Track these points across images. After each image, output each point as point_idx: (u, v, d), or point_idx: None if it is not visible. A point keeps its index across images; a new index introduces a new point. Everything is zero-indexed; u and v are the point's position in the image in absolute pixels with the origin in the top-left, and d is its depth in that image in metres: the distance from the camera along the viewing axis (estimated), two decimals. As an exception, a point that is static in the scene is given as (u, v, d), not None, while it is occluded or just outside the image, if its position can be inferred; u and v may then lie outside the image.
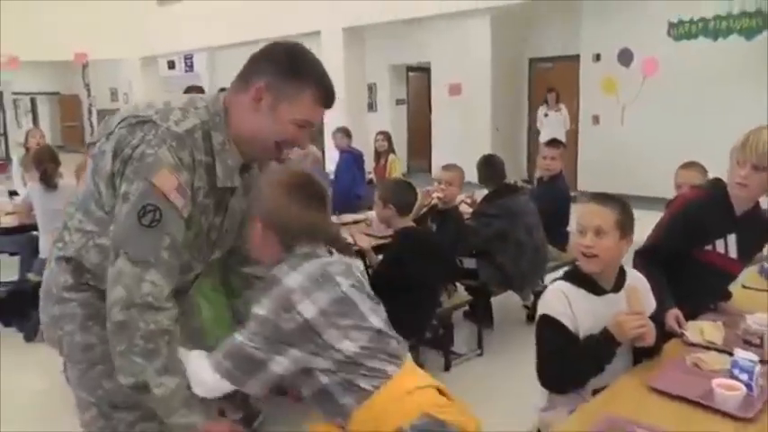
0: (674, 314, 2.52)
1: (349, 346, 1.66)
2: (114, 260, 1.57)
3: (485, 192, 5.10)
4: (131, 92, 17.58)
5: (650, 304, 2.39)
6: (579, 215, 2.34)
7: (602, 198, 2.33)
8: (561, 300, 2.30)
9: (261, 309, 1.64)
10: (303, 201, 1.76)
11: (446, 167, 4.66)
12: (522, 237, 4.58)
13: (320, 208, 1.80)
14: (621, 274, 2.37)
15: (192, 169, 1.62)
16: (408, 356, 1.88)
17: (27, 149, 8.18)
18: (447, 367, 4.34)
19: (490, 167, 4.91)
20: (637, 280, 2.40)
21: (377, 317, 1.79)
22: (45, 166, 5.39)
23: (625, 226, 2.26)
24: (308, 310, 1.62)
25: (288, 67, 1.67)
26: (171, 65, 19.28)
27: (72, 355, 1.80)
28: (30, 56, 15.17)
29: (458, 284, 4.62)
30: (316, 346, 1.64)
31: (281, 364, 1.63)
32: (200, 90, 4.65)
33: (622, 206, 2.29)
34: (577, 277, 2.35)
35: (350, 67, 11.01)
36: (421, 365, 4.07)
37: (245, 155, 1.75)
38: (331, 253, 1.83)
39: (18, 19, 14.31)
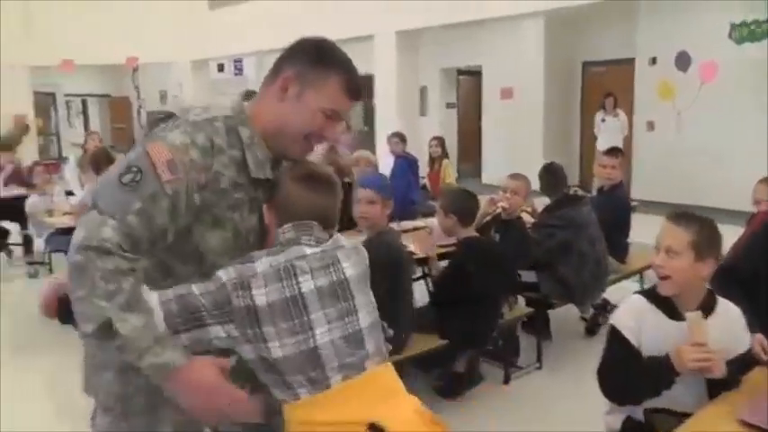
0: (758, 339, 2.37)
1: (276, 351, 1.57)
2: (87, 211, 1.53)
3: (544, 200, 5.03)
4: (181, 94, 17.77)
5: (741, 340, 2.26)
6: (659, 232, 2.24)
7: (676, 216, 2.22)
8: (631, 314, 2.24)
9: (224, 275, 1.58)
10: (304, 183, 1.73)
11: (512, 176, 4.57)
12: (584, 248, 4.47)
13: (324, 193, 1.76)
14: (710, 300, 2.25)
15: (209, 152, 1.59)
16: (343, 384, 1.65)
17: (85, 150, 8.36)
18: (507, 380, 4.25)
19: (552, 176, 4.80)
20: (728, 311, 2.26)
21: (331, 332, 1.63)
22: (102, 167, 5.42)
23: (702, 247, 2.14)
24: (259, 297, 1.56)
25: (315, 55, 1.69)
26: (220, 68, 19.43)
27: (106, 404, 1.74)
28: (84, 60, 15.47)
29: (518, 296, 4.51)
30: (253, 334, 1.57)
31: (218, 334, 1.58)
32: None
33: (701, 226, 2.17)
34: (655, 297, 2.25)
35: (402, 71, 10.96)
36: (481, 378, 4.08)
37: (273, 150, 1.72)
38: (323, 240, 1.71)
39: (73, 24, 14.57)
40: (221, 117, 1.66)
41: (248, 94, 1.78)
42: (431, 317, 3.86)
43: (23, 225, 7.82)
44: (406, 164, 7.54)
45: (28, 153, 13.20)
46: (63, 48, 14.57)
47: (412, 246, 4.33)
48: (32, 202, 7.04)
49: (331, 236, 1.73)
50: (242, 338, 1.59)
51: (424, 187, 7.95)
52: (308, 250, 1.64)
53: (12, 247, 8.26)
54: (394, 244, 3.53)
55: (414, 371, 4.12)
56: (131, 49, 15.36)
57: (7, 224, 8.11)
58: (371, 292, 1.78)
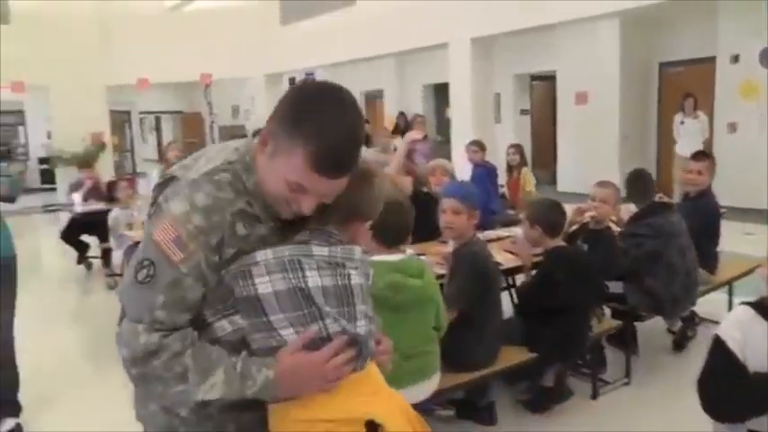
0: None
1: (292, 338, 1.53)
2: (121, 320, 1.53)
3: (629, 207, 4.88)
4: (253, 108, 18.07)
5: None
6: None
7: None
8: (737, 325, 2.14)
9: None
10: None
11: (600, 184, 4.43)
12: (674, 259, 4.32)
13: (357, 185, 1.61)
14: None
15: (213, 210, 1.48)
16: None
17: (165, 161, 8.54)
18: (594, 395, 4.13)
19: (642, 182, 4.62)
20: None
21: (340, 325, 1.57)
22: None
23: None
24: (262, 286, 1.50)
25: (291, 116, 1.44)
26: (292, 82, 19.68)
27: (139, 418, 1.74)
28: (158, 78, 15.91)
29: (605, 308, 4.40)
30: (261, 323, 1.53)
31: (224, 328, 1.56)
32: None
33: None
34: (764, 309, 2.14)
35: (477, 79, 10.84)
36: (570, 393, 3.98)
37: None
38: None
39: (147, 43, 15.02)
40: (224, 164, 1.54)
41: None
42: (518, 329, 3.80)
43: (102, 238, 8.05)
44: (485, 173, 7.43)
45: (105, 169, 13.68)
46: (138, 67, 15.06)
47: (498, 256, 4.27)
48: (115, 216, 7.22)
49: (342, 243, 1.65)
50: (251, 328, 1.55)
51: (502, 196, 7.83)
52: (316, 250, 1.55)
53: (91, 260, 8.56)
54: (481, 254, 3.50)
55: (499, 383, 4.08)
56: (205, 66, 15.71)
57: (87, 238, 8.44)
58: (370, 304, 1.67)
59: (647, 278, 4.29)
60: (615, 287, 4.36)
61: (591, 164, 11.92)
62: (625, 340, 4.43)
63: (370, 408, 1.61)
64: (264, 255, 1.51)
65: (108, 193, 8.29)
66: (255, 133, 1.65)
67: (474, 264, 3.38)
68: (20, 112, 19.61)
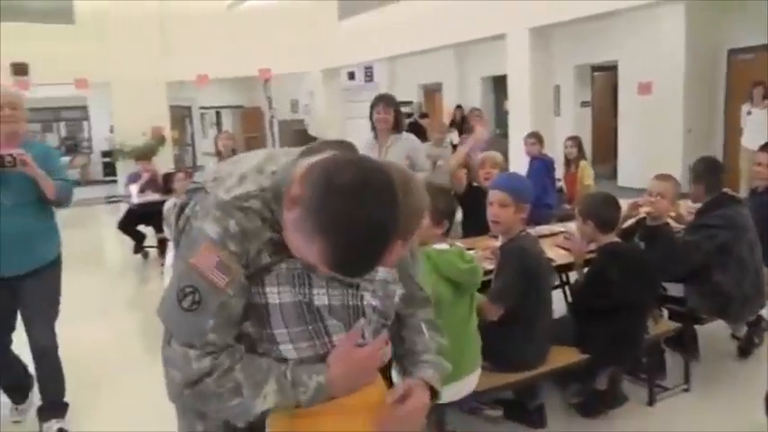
0: None
1: (290, 353, 1.53)
2: (168, 341, 1.52)
3: (688, 203, 4.61)
4: (312, 103, 18.11)
5: None
6: None
7: None
8: None
9: None
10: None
11: (659, 177, 4.17)
12: (744, 254, 4.03)
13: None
14: None
15: (241, 240, 1.44)
16: None
17: (219, 153, 8.66)
18: (651, 402, 3.89)
19: (712, 172, 4.28)
20: None
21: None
22: None
23: None
24: (271, 296, 1.49)
25: (316, 200, 1.28)
26: (351, 76, 19.69)
27: None
28: (217, 73, 16.26)
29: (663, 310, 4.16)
30: (265, 334, 1.53)
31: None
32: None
33: None
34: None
35: (535, 70, 10.56)
36: (624, 398, 3.78)
37: None
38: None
39: (207, 40, 15.25)
40: (255, 191, 1.46)
41: (307, 151, 1.52)
42: (569, 328, 3.63)
43: (158, 229, 8.26)
44: (541, 166, 7.18)
45: (165, 162, 13.96)
46: (198, 63, 15.39)
47: (551, 252, 4.09)
48: (169, 206, 7.28)
49: None
50: (257, 336, 1.54)
51: (560, 190, 7.57)
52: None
53: (148, 249, 8.87)
54: (530, 250, 3.34)
55: (549, 385, 3.94)
56: (263, 62, 15.85)
57: (144, 228, 8.76)
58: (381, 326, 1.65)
59: (717, 273, 4.00)
60: (675, 290, 4.14)
61: (653, 158, 11.43)
62: (684, 344, 4.16)
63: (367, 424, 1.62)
64: (279, 264, 1.50)
65: (165, 185, 8.55)
66: (304, 153, 1.51)
67: (521, 260, 3.23)
68: (84, 108, 20.23)
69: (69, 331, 3.95)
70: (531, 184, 3.63)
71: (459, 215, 4.90)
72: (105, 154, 18.71)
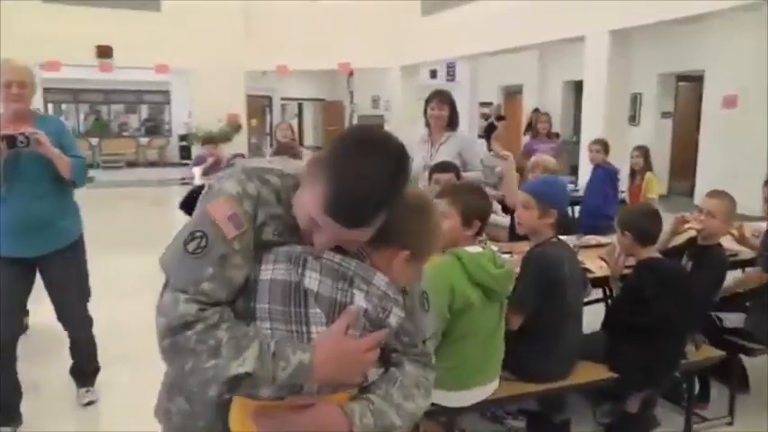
0: None
1: (265, 333, 1.43)
2: (163, 291, 1.47)
3: (756, 226, 4.33)
4: (392, 100, 18.07)
5: None
6: None
7: None
8: None
9: None
10: None
11: (711, 194, 3.85)
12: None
13: None
14: None
15: (257, 202, 1.47)
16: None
17: (277, 143, 8.70)
18: (687, 430, 3.62)
19: None
20: None
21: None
22: None
23: None
24: (264, 273, 1.45)
25: (329, 151, 1.41)
26: (433, 74, 19.57)
27: (157, 414, 1.74)
28: (298, 65, 16.57)
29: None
30: (244, 307, 1.45)
31: None
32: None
33: None
34: None
35: (613, 75, 10.19)
36: (656, 423, 3.54)
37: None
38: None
39: (289, 31, 15.46)
40: (278, 171, 1.52)
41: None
42: (599, 344, 3.41)
43: None
44: (604, 175, 6.90)
45: (239, 149, 14.14)
46: (278, 54, 15.71)
47: (591, 263, 3.89)
48: None
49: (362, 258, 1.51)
50: (240, 309, 1.46)
51: (622, 201, 7.25)
52: (328, 254, 1.45)
53: None
54: (552, 258, 3.15)
55: (580, 401, 3.78)
56: (343, 56, 16.04)
57: None
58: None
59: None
60: (734, 321, 3.84)
61: (735, 176, 10.85)
62: (729, 374, 3.85)
63: None
64: (280, 246, 1.49)
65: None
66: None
67: (539, 267, 3.04)
68: (166, 92, 20.81)
69: (131, 306, 4.06)
70: (564, 191, 3.41)
71: (507, 219, 4.76)
72: (182, 138, 19.20)
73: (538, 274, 3.03)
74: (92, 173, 16.72)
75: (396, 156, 1.39)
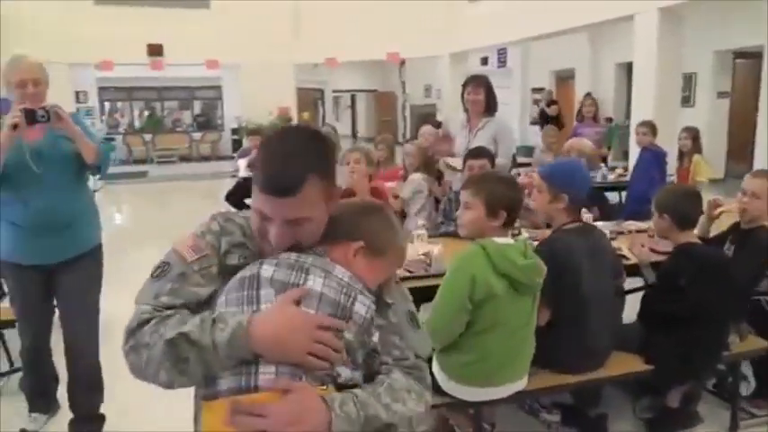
0: None
1: None
2: None
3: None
4: (443, 88, 17.91)
5: None
6: None
7: None
8: None
9: None
10: None
11: (755, 174, 3.62)
12: None
13: None
14: None
15: (219, 234, 1.61)
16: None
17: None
18: (734, 427, 3.44)
19: None
20: None
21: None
22: None
23: None
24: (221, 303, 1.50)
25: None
26: (484, 61, 19.30)
27: None
28: (346, 57, 16.61)
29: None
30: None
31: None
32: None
33: None
34: None
35: (664, 54, 9.76)
36: (699, 419, 3.36)
37: None
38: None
39: (336, 23, 15.45)
40: (243, 215, 1.67)
41: None
42: (635, 335, 3.26)
43: None
44: (651, 157, 6.65)
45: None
46: (327, 46, 15.77)
47: (625, 249, 3.71)
48: None
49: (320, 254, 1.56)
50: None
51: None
52: (284, 255, 1.51)
53: None
54: (558, 245, 3.02)
55: (618, 393, 3.66)
56: (392, 45, 15.97)
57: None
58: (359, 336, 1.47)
59: None
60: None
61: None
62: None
63: None
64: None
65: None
66: None
67: (546, 255, 2.83)
68: (218, 88, 21.04)
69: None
70: (580, 174, 3.19)
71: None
72: (234, 131, 19.37)
73: (547, 263, 2.84)
74: (146, 167, 17.22)
75: (310, 131, 1.58)
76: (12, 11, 13.34)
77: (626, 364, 3.16)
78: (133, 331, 1.47)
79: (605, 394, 3.61)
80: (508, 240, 2.74)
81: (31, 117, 2.96)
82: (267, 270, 1.46)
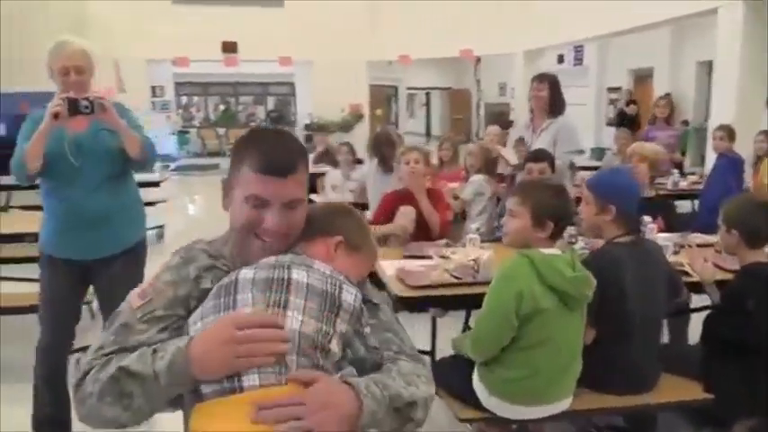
0: None
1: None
2: None
3: None
4: (517, 87, 17.61)
5: None
6: None
7: None
8: None
9: None
10: None
11: None
12: None
13: None
14: None
15: (181, 266, 1.59)
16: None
17: (376, 133, 8.62)
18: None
19: None
20: None
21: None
22: (382, 149, 5.74)
23: None
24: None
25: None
26: (560, 59, 18.86)
27: None
28: (420, 54, 16.55)
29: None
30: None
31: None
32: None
33: None
34: None
35: (747, 50, 9.28)
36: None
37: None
38: None
39: (410, 20, 15.54)
40: (204, 241, 1.67)
41: None
42: (695, 358, 3.03)
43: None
44: (727, 164, 6.32)
45: (360, 139, 14.22)
46: (400, 43, 15.73)
47: (687, 264, 3.45)
48: (327, 176, 7.50)
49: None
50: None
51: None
52: (263, 259, 1.53)
53: None
54: (605, 259, 2.82)
55: (678, 421, 3.43)
56: (465, 42, 15.79)
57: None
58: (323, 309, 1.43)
59: None
60: None
61: None
62: None
63: None
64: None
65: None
66: None
67: (596, 269, 2.63)
68: (291, 84, 21.35)
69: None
70: (629, 184, 3.00)
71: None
72: (307, 127, 19.50)
73: (598, 279, 2.63)
74: (218, 160, 17.45)
75: (285, 131, 1.68)
76: (93, 9, 13.78)
77: (683, 390, 2.94)
78: (77, 385, 1.45)
79: (662, 421, 3.37)
80: (555, 251, 2.60)
81: (73, 107, 2.83)
82: (247, 273, 1.46)
